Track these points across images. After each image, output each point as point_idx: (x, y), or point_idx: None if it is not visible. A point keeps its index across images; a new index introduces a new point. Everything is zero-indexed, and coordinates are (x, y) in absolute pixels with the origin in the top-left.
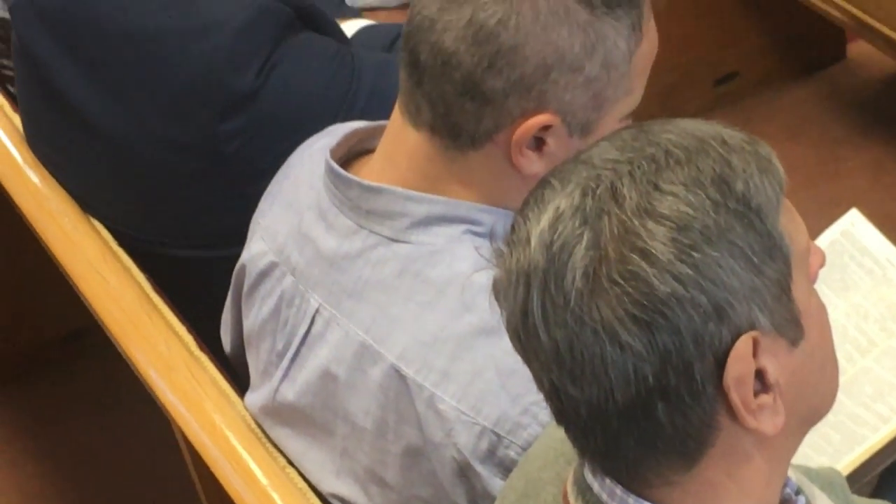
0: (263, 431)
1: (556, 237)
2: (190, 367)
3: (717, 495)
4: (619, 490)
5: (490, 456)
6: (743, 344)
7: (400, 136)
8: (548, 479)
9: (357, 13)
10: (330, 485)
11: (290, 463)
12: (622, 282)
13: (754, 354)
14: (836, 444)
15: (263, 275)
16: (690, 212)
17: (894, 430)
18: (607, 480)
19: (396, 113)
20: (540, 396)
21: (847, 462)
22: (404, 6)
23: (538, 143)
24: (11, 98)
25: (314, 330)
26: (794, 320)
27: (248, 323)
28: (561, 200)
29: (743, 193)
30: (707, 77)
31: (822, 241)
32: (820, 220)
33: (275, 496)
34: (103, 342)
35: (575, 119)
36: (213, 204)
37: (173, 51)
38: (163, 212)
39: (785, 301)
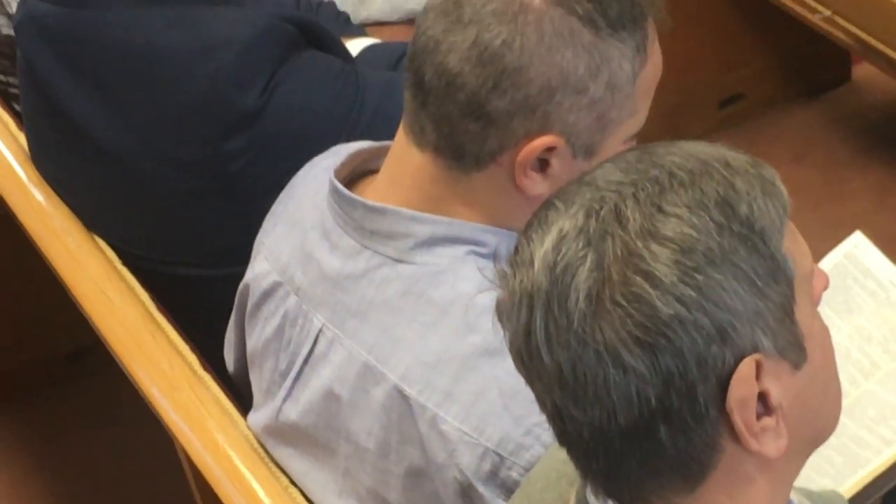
0: (266, 451)
1: (559, 259)
2: (193, 386)
3: None
4: None
5: (492, 477)
6: (746, 366)
7: (404, 157)
8: (550, 500)
9: (362, 31)
10: None
11: (293, 483)
12: (625, 304)
13: (757, 377)
14: (839, 467)
15: (267, 294)
16: (694, 234)
17: None
18: (609, 502)
19: (401, 133)
20: (543, 417)
21: (850, 485)
22: (408, 21)
23: (542, 164)
24: (17, 116)
25: (317, 350)
26: (797, 343)
27: (252, 342)
28: (565, 222)
29: (747, 216)
30: (712, 99)
31: (826, 263)
32: (824, 242)
33: None
34: (106, 360)
35: (579, 140)
36: (216, 222)
37: (177, 69)
38: (166, 230)
39: (788, 324)
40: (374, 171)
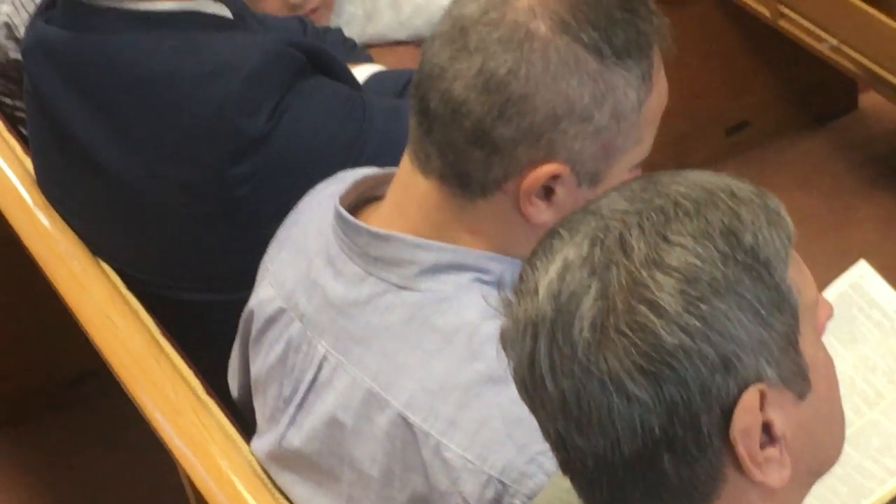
0: (269, 477)
1: (564, 287)
2: (197, 411)
3: None
4: None
5: None
6: (750, 396)
7: (409, 184)
8: None
9: (368, 58)
10: None
11: None
12: (630, 333)
13: (761, 407)
14: (843, 497)
15: (271, 321)
16: (699, 264)
17: None
18: None
19: (406, 160)
20: (546, 446)
21: None
22: (415, 42)
23: (547, 192)
24: (23, 140)
25: (321, 376)
26: (801, 373)
27: (256, 368)
28: (569, 250)
29: (752, 246)
30: (718, 126)
31: (831, 292)
32: (829, 271)
33: None
34: (110, 385)
35: (584, 168)
36: (221, 247)
37: (184, 94)
38: (171, 255)
39: (792, 354)
40: (380, 198)
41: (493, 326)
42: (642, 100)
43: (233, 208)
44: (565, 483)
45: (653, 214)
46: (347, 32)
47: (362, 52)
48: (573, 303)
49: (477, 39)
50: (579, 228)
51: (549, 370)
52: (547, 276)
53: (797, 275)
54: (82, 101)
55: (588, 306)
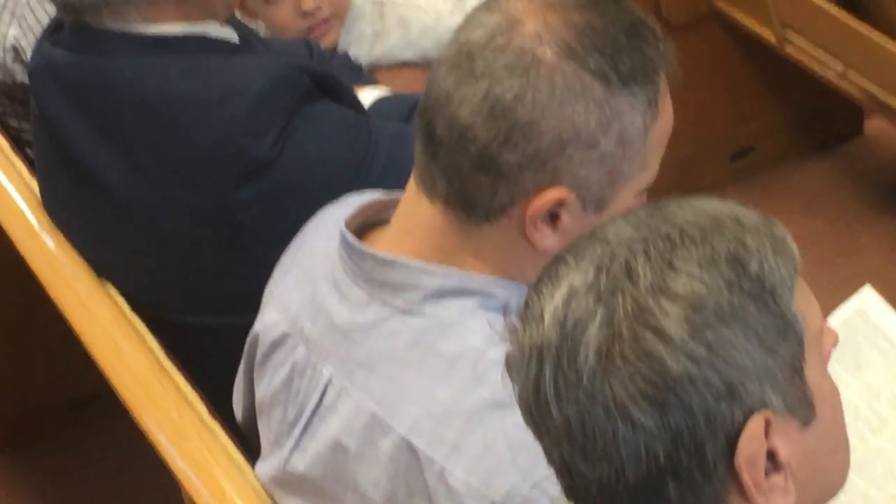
0: (273, 501)
1: (569, 314)
2: (201, 434)
3: None
4: None
5: None
6: (755, 424)
7: (415, 208)
8: None
9: (374, 82)
10: None
11: None
12: (635, 360)
13: (766, 435)
14: None
15: (276, 345)
16: (704, 291)
17: None
18: None
19: (411, 184)
20: (550, 472)
21: None
22: (422, 64)
23: (552, 217)
24: (30, 162)
25: (326, 401)
26: (806, 401)
27: (260, 392)
28: (575, 277)
29: (757, 274)
30: (723, 152)
31: (836, 318)
32: (835, 297)
33: None
34: (115, 408)
35: (589, 194)
36: (226, 271)
37: (191, 117)
38: (177, 278)
39: (797, 382)
40: (385, 222)
41: (497, 352)
42: (648, 126)
43: (238, 232)
44: None
45: (659, 242)
46: (356, 50)
47: (369, 77)
48: (579, 329)
49: (483, 65)
50: (585, 255)
51: (554, 396)
52: (553, 303)
53: (803, 302)
54: (88, 123)
55: (594, 333)
